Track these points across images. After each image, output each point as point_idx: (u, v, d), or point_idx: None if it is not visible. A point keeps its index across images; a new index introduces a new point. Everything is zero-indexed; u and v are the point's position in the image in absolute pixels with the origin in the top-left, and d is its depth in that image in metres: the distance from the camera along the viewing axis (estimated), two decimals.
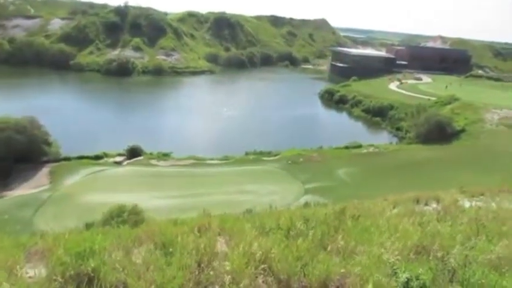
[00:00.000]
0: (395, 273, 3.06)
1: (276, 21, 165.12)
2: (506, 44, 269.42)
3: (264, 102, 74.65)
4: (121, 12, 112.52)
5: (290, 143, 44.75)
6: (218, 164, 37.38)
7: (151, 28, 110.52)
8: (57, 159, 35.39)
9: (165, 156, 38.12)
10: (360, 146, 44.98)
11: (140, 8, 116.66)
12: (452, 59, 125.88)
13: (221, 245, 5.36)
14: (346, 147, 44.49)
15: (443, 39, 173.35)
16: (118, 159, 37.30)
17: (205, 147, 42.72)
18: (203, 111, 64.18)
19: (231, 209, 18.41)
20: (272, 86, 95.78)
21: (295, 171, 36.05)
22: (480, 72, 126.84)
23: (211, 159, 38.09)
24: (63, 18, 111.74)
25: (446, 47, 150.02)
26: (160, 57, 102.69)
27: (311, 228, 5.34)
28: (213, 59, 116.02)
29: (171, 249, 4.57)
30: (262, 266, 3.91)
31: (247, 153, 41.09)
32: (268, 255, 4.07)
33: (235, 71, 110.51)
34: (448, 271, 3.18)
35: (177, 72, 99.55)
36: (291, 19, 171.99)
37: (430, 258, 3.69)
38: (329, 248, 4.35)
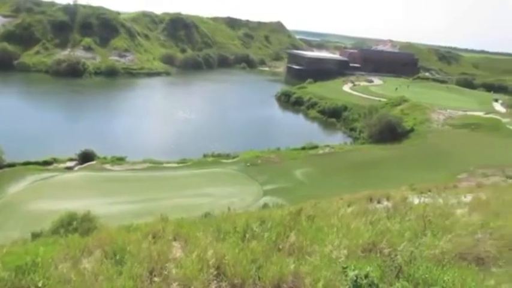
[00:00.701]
0: (345, 271, 3.13)
1: (232, 23, 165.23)
2: (450, 47, 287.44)
3: (222, 104, 74.40)
4: (70, 10, 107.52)
5: (248, 144, 44.86)
6: (175, 167, 36.72)
7: (103, 28, 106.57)
8: (1, 166, 33.09)
9: (119, 160, 36.86)
10: (316, 147, 45.98)
11: (91, 7, 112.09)
12: (401, 62, 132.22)
13: (176, 251, 5.24)
14: (303, 148, 45.32)
15: (393, 43, 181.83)
16: (69, 164, 35.55)
17: (161, 151, 41.79)
18: (159, 114, 62.86)
19: (189, 212, 18.11)
20: (229, 88, 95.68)
21: (254, 173, 36.18)
22: (427, 74, 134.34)
23: (168, 162, 37.33)
24: (5, 16, 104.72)
25: (396, 50, 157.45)
26: (113, 58, 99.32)
27: (267, 230, 5.35)
28: (168, 60, 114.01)
29: (122, 258, 4.40)
30: (216, 272, 3.85)
31: (205, 156, 40.70)
32: (223, 260, 4.01)
33: (191, 73, 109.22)
34: (395, 267, 3.30)
35: (131, 74, 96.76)
36: (248, 21, 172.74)
37: (379, 255, 3.80)
38: (284, 249, 4.37)
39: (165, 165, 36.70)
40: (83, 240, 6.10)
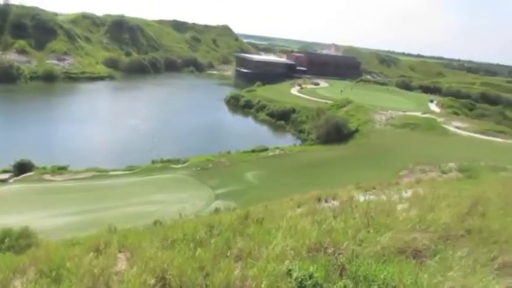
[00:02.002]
0: (290, 273, 3.15)
1: (178, 26, 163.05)
2: (388, 51, 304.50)
3: (170, 109, 72.96)
4: (0, 10, 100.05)
5: (198, 149, 44.37)
6: (122, 175, 35.36)
7: (38, 30, 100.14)
8: None
9: (60, 169, 34.76)
10: (266, 149, 46.49)
11: (24, 7, 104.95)
12: (345, 65, 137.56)
13: (121, 264, 5.01)
14: (253, 151, 45.64)
15: (336, 47, 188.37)
16: (3, 176, 32.89)
17: (107, 159, 40.08)
18: (104, 120, 60.26)
19: (139, 221, 17.51)
20: (178, 92, 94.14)
21: (205, 177, 35.81)
22: (369, 77, 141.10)
23: (114, 170, 35.85)
24: None
25: (340, 54, 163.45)
26: (52, 62, 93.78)
27: (216, 235, 5.28)
28: (112, 64, 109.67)
29: (59, 276, 4.10)
30: (161, 283, 3.71)
31: (153, 162, 39.61)
32: (169, 270, 3.88)
33: (137, 77, 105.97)
34: (338, 266, 3.39)
35: (72, 78, 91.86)
36: (194, 24, 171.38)
37: (324, 255, 3.87)
38: (231, 255, 4.33)
39: (111, 173, 35.21)
40: (16, 258, 5.64)
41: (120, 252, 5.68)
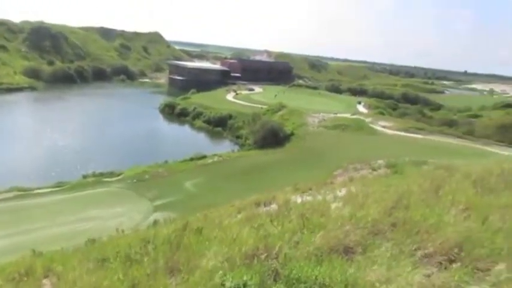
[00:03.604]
0: (224, 285, 3.11)
1: (106, 33, 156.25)
2: (318, 57, 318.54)
3: (101, 120, 69.46)
4: None
5: (133, 161, 42.68)
6: (50, 192, 32.83)
7: None
8: None
9: None
10: (204, 157, 46.01)
11: None
12: (277, 71, 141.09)
13: None
14: (192, 159, 44.92)
15: (268, 53, 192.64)
16: None
17: (31, 177, 36.94)
18: (24, 135, 55.58)
19: (72, 241, 16.35)
20: (108, 102, 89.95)
21: (142, 190, 34.52)
22: (301, 81, 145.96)
23: (40, 188, 33.21)
24: None
25: (272, 60, 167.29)
26: None
27: (151, 250, 5.07)
28: (33, 73, 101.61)
29: None
30: None
31: (85, 176, 37.34)
32: None
33: (62, 87, 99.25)
34: (272, 271, 3.42)
35: None
36: (123, 31, 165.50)
37: (259, 261, 3.88)
38: (167, 270, 4.18)
39: (36, 191, 32.52)
40: None
41: (45, 277, 5.26)
